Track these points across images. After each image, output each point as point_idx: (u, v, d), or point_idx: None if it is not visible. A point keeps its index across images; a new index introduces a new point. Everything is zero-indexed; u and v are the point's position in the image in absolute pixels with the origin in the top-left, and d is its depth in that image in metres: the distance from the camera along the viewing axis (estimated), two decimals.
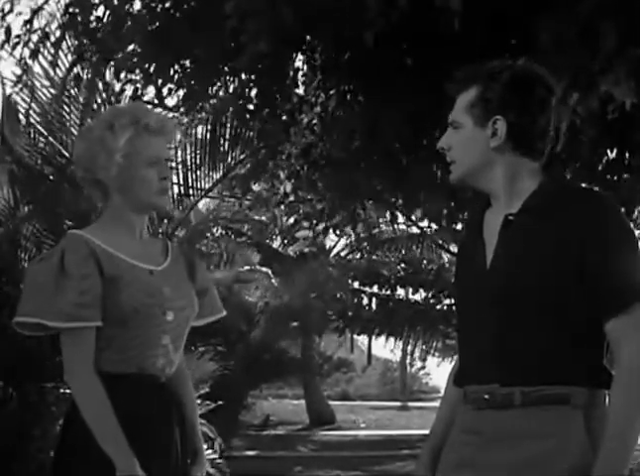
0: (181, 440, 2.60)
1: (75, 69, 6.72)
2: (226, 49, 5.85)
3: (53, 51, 6.85)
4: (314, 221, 9.17)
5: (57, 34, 6.60)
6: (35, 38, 6.69)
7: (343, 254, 20.48)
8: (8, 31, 6.63)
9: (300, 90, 7.13)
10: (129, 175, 2.54)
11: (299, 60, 6.80)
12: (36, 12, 6.69)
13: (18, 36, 6.64)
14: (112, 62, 6.45)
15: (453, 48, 5.26)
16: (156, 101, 6.68)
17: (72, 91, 7.13)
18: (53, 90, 7.29)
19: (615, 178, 6.50)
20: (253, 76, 6.64)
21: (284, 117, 6.97)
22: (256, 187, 9.03)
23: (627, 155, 6.40)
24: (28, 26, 6.64)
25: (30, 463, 6.52)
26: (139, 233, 2.64)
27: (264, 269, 13.52)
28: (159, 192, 2.58)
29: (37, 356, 6.55)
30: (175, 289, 2.60)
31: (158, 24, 6.16)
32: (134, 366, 2.50)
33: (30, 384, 6.71)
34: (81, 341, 2.45)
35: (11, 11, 6.90)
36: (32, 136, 7.40)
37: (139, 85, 6.66)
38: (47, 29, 6.69)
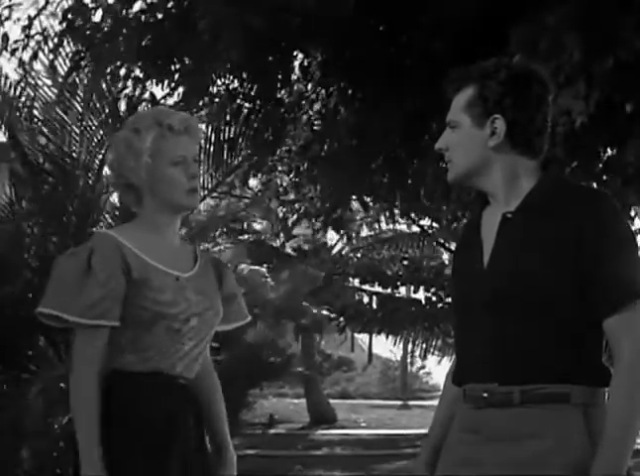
0: (199, 442, 2.63)
1: (73, 75, 6.75)
2: (208, 52, 5.91)
3: (51, 56, 6.88)
4: (313, 220, 9.18)
5: (55, 40, 6.63)
6: (33, 43, 6.73)
7: (343, 252, 20.49)
8: (5, 37, 6.67)
9: (301, 87, 7.16)
10: (156, 175, 2.59)
11: (299, 58, 6.82)
12: (33, 19, 6.73)
13: (17, 41, 6.69)
14: (108, 70, 6.48)
15: (445, 49, 5.31)
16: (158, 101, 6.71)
17: (76, 91, 7.17)
18: (55, 89, 7.31)
19: (612, 176, 6.50)
20: (251, 75, 6.66)
21: (282, 115, 6.99)
22: (255, 185, 9.05)
23: (625, 153, 6.40)
24: (27, 31, 6.67)
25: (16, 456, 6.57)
26: (170, 237, 2.67)
27: (261, 269, 13.53)
28: (187, 192, 2.61)
29: (34, 351, 6.58)
30: (201, 295, 2.63)
31: (150, 36, 6.19)
32: (154, 368, 2.54)
33: (29, 380, 6.75)
34: (95, 339, 2.48)
35: (8, 18, 6.95)
36: (34, 133, 7.42)
37: (134, 89, 6.70)
38: (45, 34, 6.72)
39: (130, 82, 6.70)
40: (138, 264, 2.54)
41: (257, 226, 18.49)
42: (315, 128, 7.38)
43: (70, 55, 6.69)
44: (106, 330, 2.49)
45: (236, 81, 6.95)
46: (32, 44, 6.74)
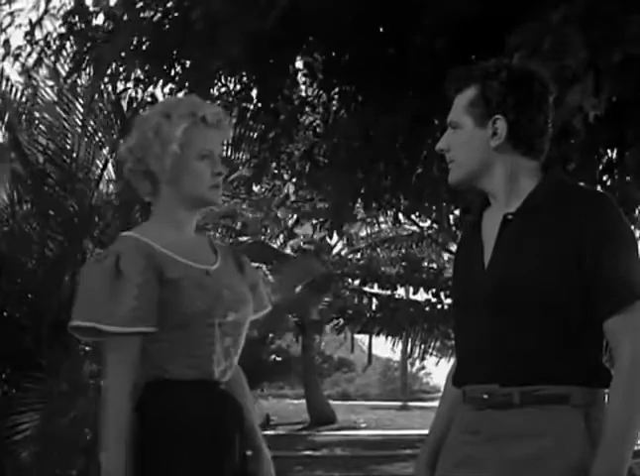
0: (240, 443, 2.52)
1: (73, 77, 6.76)
2: (206, 48, 5.91)
3: (53, 58, 6.90)
4: (315, 221, 9.19)
5: (57, 43, 6.63)
6: (36, 48, 6.74)
7: (343, 253, 20.51)
8: (7, 44, 6.70)
9: (302, 91, 7.17)
10: (182, 166, 2.46)
11: (300, 61, 6.82)
12: (34, 25, 6.74)
13: (19, 47, 6.71)
14: (108, 71, 6.48)
15: (447, 50, 5.32)
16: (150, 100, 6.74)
17: (77, 93, 7.19)
18: (55, 91, 7.34)
19: (615, 177, 6.51)
20: (254, 77, 6.67)
21: (285, 118, 6.99)
22: (257, 188, 9.06)
23: (626, 154, 6.41)
24: (29, 37, 6.69)
25: (14, 457, 6.57)
26: (189, 231, 2.55)
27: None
28: (210, 187, 2.49)
29: (34, 352, 6.59)
30: (232, 288, 2.52)
31: (148, 36, 6.19)
32: (199, 370, 2.43)
33: (24, 380, 6.75)
34: (128, 348, 2.36)
35: (10, 24, 6.98)
36: (34, 134, 7.44)
37: (135, 92, 6.71)
38: (47, 39, 6.73)
39: (131, 83, 6.71)
40: (168, 263, 2.42)
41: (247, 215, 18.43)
42: (318, 131, 7.38)
43: (72, 55, 6.69)
44: (139, 338, 2.36)
45: (238, 84, 6.96)
46: (35, 49, 6.75)
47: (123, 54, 6.24)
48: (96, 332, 2.38)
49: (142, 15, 6.39)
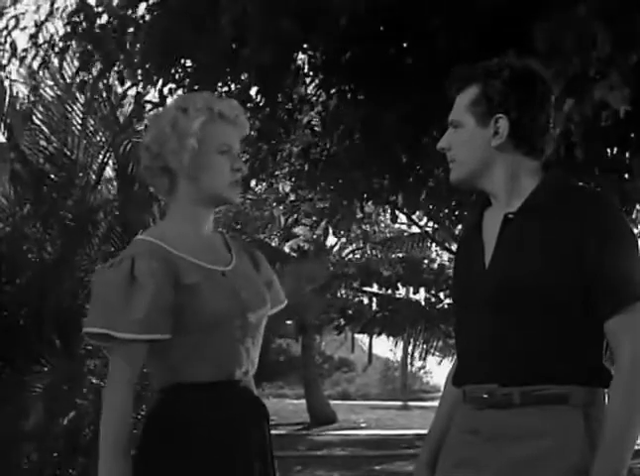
0: (262, 440, 2.48)
1: (80, 76, 6.76)
2: (226, 51, 5.90)
3: (57, 59, 6.90)
4: (314, 218, 9.21)
5: (61, 44, 6.64)
6: (41, 51, 6.75)
7: (344, 253, 20.51)
8: (13, 46, 6.71)
9: (301, 89, 7.17)
10: (200, 162, 2.40)
11: (300, 60, 6.82)
12: (39, 27, 6.75)
13: (25, 50, 6.72)
14: (115, 67, 6.49)
15: (451, 48, 5.31)
16: (156, 101, 6.72)
17: (76, 94, 7.20)
18: (58, 91, 7.34)
19: (616, 176, 6.51)
20: (253, 76, 6.67)
21: (285, 116, 7.00)
22: (257, 187, 9.07)
23: (627, 154, 6.42)
24: (34, 39, 6.70)
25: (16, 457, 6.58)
26: (205, 229, 2.49)
27: None
28: (230, 184, 2.44)
29: (34, 352, 6.60)
30: (249, 287, 2.48)
31: (159, 27, 6.19)
32: (221, 373, 2.40)
33: (24, 380, 6.77)
34: (133, 354, 2.33)
35: (16, 26, 6.99)
36: (35, 135, 7.44)
37: (140, 89, 6.70)
38: (52, 41, 6.74)
39: (137, 79, 6.69)
40: (184, 267, 2.37)
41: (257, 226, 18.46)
42: (316, 129, 7.39)
43: (78, 55, 6.69)
44: (144, 345, 2.32)
45: (236, 82, 6.96)
46: (40, 51, 6.76)
47: (127, 50, 6.26)
48: (108, 338, 2.34)
49: (144, 14, 6.41)
